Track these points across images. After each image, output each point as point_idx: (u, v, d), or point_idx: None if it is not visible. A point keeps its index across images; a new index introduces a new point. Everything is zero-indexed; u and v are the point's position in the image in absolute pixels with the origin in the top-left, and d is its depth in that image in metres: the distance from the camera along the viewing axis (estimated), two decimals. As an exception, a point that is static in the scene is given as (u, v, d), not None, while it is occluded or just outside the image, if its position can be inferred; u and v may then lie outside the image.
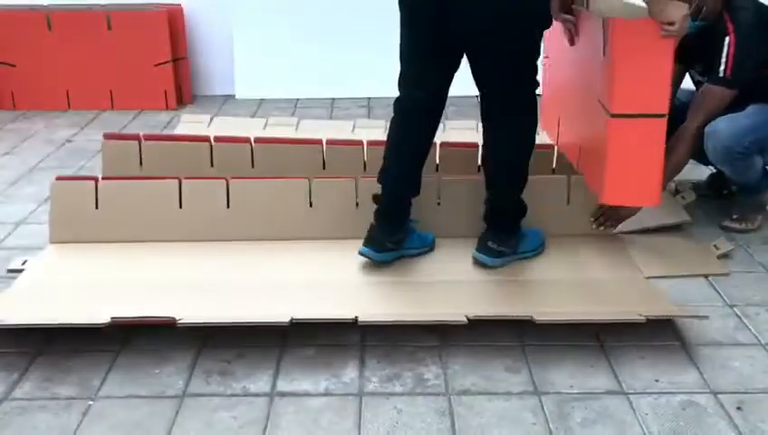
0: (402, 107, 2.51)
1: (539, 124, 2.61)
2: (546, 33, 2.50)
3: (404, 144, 2.54)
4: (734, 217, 2.91)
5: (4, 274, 2.58)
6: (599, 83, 2.43)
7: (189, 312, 2.23)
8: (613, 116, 2.33)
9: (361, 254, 2.50)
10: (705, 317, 2.24)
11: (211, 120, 3.78)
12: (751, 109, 2.71)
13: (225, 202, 2.74)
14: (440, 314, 2.24)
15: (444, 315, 2.22)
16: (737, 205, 2.97)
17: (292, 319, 2.15)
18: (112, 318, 2.12)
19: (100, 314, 2.16)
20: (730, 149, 2.66)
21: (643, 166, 2.37)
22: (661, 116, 2.31)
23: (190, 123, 3.80)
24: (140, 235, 2.71)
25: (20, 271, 2.55)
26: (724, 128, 2.65)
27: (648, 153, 2.35)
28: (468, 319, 2.16)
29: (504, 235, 2.54)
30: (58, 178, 2.79)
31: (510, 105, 2.43)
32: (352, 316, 2.17)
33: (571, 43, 2.63)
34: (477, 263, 2.53)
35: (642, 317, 2.16)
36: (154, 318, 2.16)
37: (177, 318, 2.13)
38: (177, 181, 2.74)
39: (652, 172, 2.37)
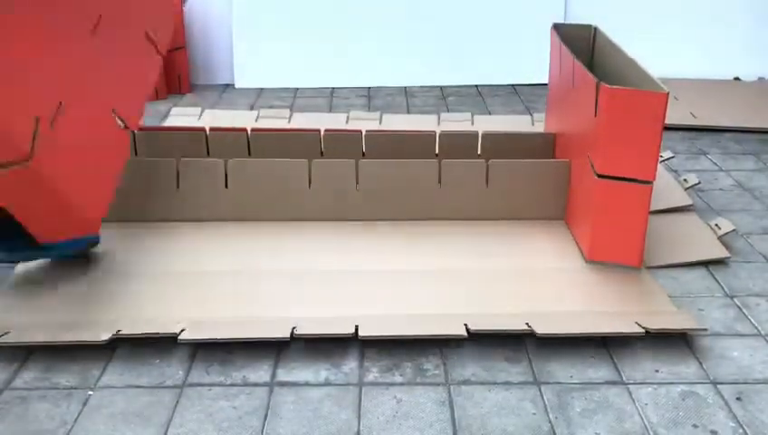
0: None
1: None
2: (553, 72, 2.46)
3: None
4: None
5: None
6: (589, 141, 2.48)
7: (189, 310, 2.23)
8: (599, 176, 2.39)
9: None
10: (704, 330, 2.20)
11: (201, 113, 3.79)
12: None
13: (224, 182, 2.75)
14: (439, 318, 2.21)
15: (442, 321, 2.19)
16: None
17: (292, 332, 2.11)
18: (113, 334, 2.10)
19: (101, 316, 2.19)
20: None
21: (626, 227, 2.42)
22: (646, 182, 2.36)
23: (181, 116, 3.81)
24: (139, 215, 2.73)
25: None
26: None
27: (631, 216, 2.40)
28: (468, 332, 2.12)
29: None
30: None
31: None
32: (352, 328, 2.13)
33: None
34: None
35: (642, 331, 2.13)
36: (155, 334, 2.12)
37: (177, 332, 2.10)
38: (173, 161, 2.76)
39: (635, 234, 2.42)
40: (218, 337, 2.12)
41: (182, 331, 2.11)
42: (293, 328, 2.12)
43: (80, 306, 2.29)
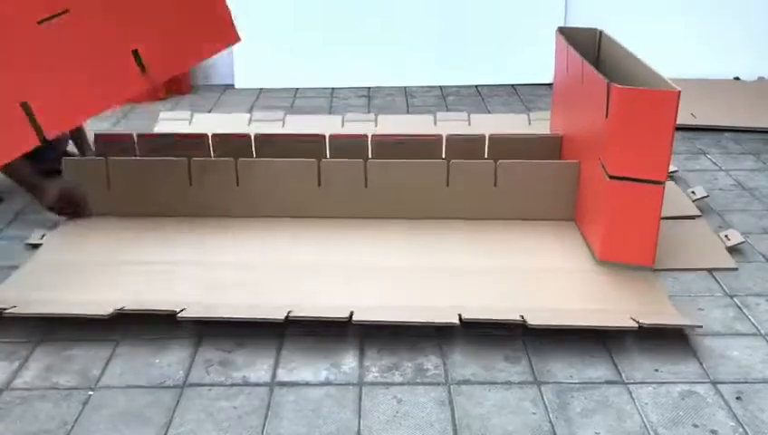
0: None
1: None
2: (559, 75, 2.44)
3: None
4: None
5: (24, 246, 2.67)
6: (600, 143, 2.47)
7: (191, 297, 2.27)
8: (611, 178, 2.38)
9: None
10: (699, 326, 2.20)
11: (191, 117, 3.77)
12: None
13: (235, 180, 2.79)
14: (435, 308, 2.24)
15: (439, 310, 2.22)
16: None
17: (287, 316, 2.15)
18: (115, 309, 2.17)
19: (105, 297, 2.24)
20: None
21: (638, 228, 2.42)
22: (658, 183, 2.35)
23: (170, 121, 3.78)
24: (151, 211, 2.81)
25: (38, 245, 2.65)
26: None
27: (643, 216, 2.39)
28: (461, 320, 2.15)
29: None
30: (67, 157, 2.93)
31: None
32: (347, 313, 2.17)
33: None
34: None
35: (635, 325, 2.13)
36: (155, 311, 2.19)
37: (177, 310, 2.16)
38: (186, 160, 2.81)
39: (647, 234, 2.42)
40: (214, 316, 2.18)
41: (182, 310, 2.17)
42: (289, 311, 2.16)
43: (84, 288, 2.36)
